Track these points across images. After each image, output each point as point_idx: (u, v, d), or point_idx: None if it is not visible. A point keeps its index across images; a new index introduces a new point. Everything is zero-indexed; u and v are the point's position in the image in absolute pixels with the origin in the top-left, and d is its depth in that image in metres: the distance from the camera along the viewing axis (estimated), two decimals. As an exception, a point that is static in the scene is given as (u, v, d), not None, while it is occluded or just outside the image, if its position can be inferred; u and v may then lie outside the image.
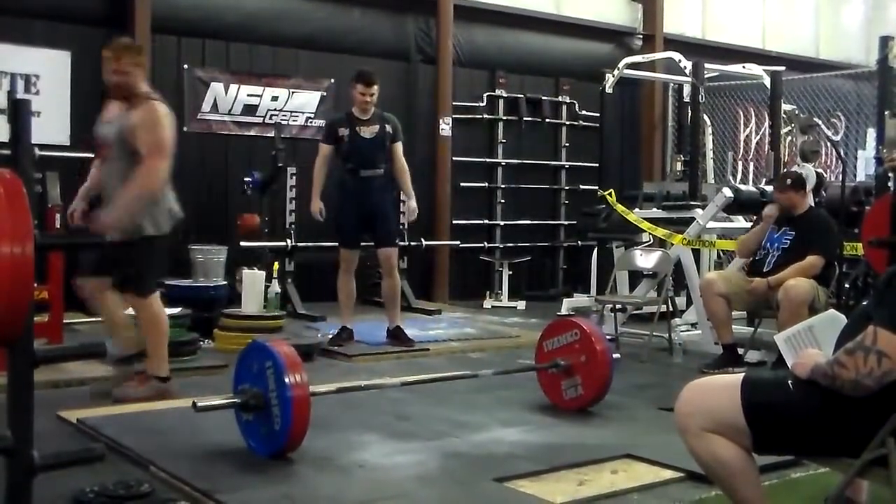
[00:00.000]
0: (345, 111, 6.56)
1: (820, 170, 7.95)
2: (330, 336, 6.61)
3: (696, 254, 7.56)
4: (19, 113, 2.27)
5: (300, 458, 3.71)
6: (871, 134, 9.50)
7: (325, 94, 9.20)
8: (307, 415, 3.64)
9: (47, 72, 7.81)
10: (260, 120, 8.89)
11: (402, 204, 8.51)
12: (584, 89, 10.50)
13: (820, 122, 8.51)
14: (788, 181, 6.01)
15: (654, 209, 7.74)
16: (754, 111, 10.95)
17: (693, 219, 7.12)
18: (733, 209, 7.30)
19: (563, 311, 8.38)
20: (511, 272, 9.79)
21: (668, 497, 3.46)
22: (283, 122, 8.85)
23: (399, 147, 6.51)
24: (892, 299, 2.36)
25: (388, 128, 6.42)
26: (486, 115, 10.26)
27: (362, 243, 6.54)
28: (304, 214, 7.61)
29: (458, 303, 9.43)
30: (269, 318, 6.55)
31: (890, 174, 5.99)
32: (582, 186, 10.55)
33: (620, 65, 8.69)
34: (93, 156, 5.54)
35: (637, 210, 7.76)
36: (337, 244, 6.57)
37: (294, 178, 8.22)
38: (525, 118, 10.44)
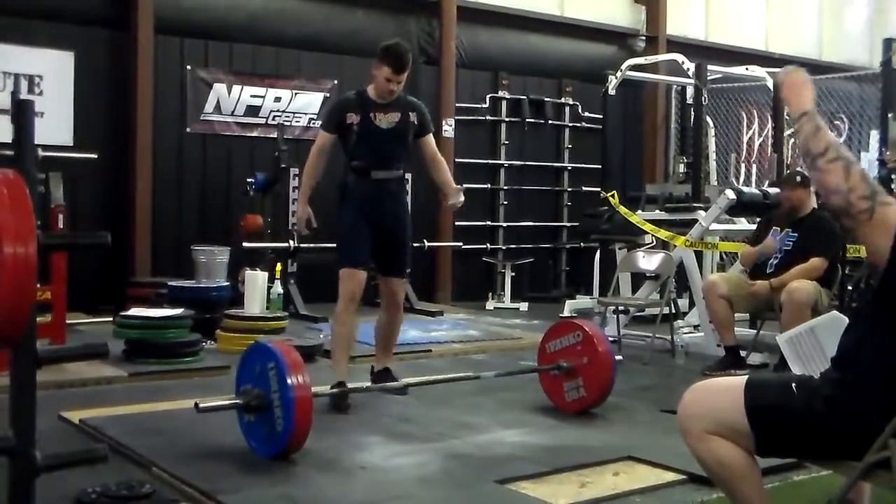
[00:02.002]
0: (356, 90, 5.03)
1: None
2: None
3: (699, 256, 7.56)
4: (23, 113, 2.27)
5: (302, 460, 3.71)
6: (875, 136, 9.48)
7: (328, 94, 9.20)
8: (309, 416, 3.65)
9: (50, 72, 7.83)
10: (263, 121, 8.90)
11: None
12: (587, 91, 10.49)
13: (823, 125, 8.49)
14: (798, 179, 5.99)
15: (657, 211, 7.74)
16: (757, 113, 10.95)
17: (696, 221, 7.11)
18: (736, 211, 7.29)
19: (566, 313, 8.35)
20: (513, 274, 9.79)
21: (670, 499, 3.46)
22: (285, 123, 8.86)
23: (431, 140, 5.06)
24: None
25: (414, 116, 4.92)
26: (488, 117, 10.26)
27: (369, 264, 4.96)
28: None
29: (461, 304, 9.43)
30: (271, 319, 6.55)
31: (893, 176, 5.98)
32: (584, 188, 10.55)
33: (623, 66, 8.69)
34: (95, 155, 5.51)
35: (640, 212, 7.76)
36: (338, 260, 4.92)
37: (297, 179, 8.21)
38: (528, 120, 10.44)
